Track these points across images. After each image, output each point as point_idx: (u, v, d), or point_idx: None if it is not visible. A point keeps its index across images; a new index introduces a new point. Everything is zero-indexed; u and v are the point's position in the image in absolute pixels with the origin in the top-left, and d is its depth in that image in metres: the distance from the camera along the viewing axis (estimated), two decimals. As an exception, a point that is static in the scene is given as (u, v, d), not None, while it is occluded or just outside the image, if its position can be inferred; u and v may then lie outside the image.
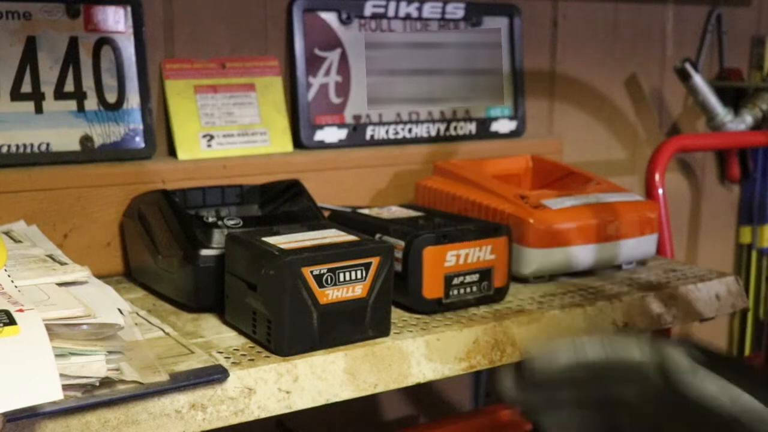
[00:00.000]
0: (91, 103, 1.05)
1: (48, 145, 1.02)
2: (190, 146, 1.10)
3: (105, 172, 1.02)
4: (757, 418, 0.50)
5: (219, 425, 0.73)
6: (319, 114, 1.20)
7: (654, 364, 0.53)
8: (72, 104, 1.04)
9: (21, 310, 0.64)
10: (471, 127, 1.32)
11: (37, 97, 1.02)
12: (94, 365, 0.67)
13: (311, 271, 0.76)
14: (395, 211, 1.02)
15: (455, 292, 0.91)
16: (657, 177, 1.31)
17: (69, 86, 1.03)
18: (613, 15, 1.53)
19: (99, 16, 1.05)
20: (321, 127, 1.20)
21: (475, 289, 0.92)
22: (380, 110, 1.24)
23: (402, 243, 0.90)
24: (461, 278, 0.91)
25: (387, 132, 1.25)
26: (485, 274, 0.93)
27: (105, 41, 1.05)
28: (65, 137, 1.03)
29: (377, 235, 0.93)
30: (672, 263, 1.15)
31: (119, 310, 0.76)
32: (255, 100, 1.15)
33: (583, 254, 1.03)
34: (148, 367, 0.70)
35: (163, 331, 0.82)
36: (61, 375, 0.62)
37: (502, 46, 1.34)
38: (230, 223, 0.90)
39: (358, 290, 0.79)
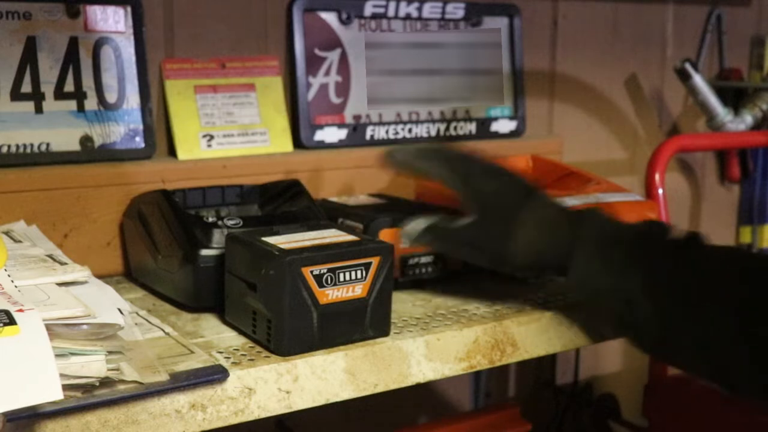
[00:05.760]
0: (91, 103, 1.05)
1: (48, 145, 1.02)
2: (190, 146, 1.10)
3: (105, 172, 1.02)
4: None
5: (219, 425, 0.73)
6: (319, 114, 1.20)
7: None
8: (72, 104, 1.04)
9: (21, 310, 0.64)
10: (471, 127, 1.32)
11: (37, 97, 1.02)
12: (94, 365, 0.67)
13: (311, 271, 0.76)
14: (362, 199, 1.09)
15: (411, 272, 0.96)
16: (657, 177, 1.31)
17: (69, 86, 1.03)
18: (613, 15, 1.53)
19: (99, 16, 1.05)
20: (321, 127, 1.20)
21: (430, 269, 0.98)
22: (380, 110, 1.24)
23: (360, 226, 0.95)
24: (416, 259, 0.97)
25: (387, 132, 1.25)
26: (440, 255, 0.98)
27: (105, 41, 1.05)
28: (65, 137, 1.03)
29: (339, 220, 0.98)
30: (672, 263, 1.15)
31: (119, 310, 0.76)
32: (255, 100, 1.16)
33: (583, 254, 1.03)
34: (148, 367, 0.70)
35: (163, 331, 0.82)
36: (61, 375, 0.62)
37: (502, 46, 1.34)
38: (230, 223, 0.90)
39: (358, 290, 0.79)
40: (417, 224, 0.89)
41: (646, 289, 0.78)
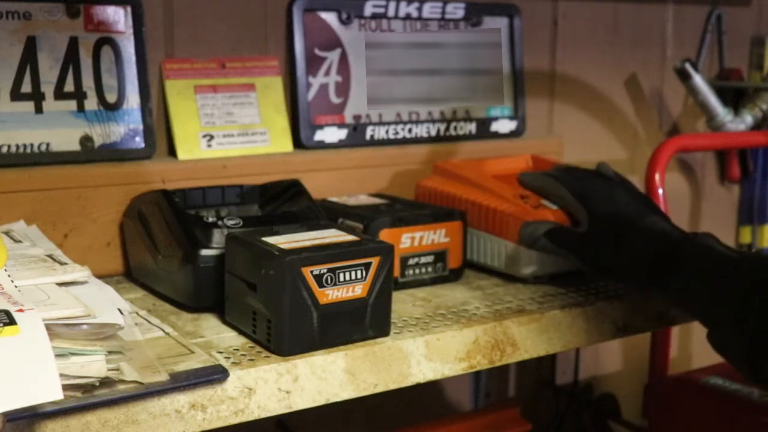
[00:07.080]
0: (91, 103, 1.05)
1: (48, 145, 1.02)
2: (190, 146, 1.11)
3: (105, 172, 1.02)
4: None
5: (219, 425, 0.73)
6: (319, 114, 1.20)
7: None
8: (72, 104, 1.04)
9: (21, 310, 0.64)
10: (471, 127, 1.32)
11: (37, 97, 1.02)
12: (94, 365, 0.67)
13: (311, 271, 0.76)
14: (362, 199, 1.09)
15: (410, 272, 0.98)
16: (657, 177, 1.31)
17: (69, 86, 1.03)
18: (613, 15, 1.53)
19: (99, 16, 1.05)
20: (321, 127, 1.20)
21: (430, 269, 0.99)
22: (380, 110, 1.24)
23: (360, 226, 0.96)
24: (416, 259, 0.98)
25: (387, 132, 1.25)
26: (440, 255, 0.99)
27: (105, 41, 1.05)
28: (65, 137, 1.03)
29: (339, 220, 0.99)
30: (672, 263, 1.15)
31: (119, 310, 0.76)
32: (255, 100, 1.16)
33: (583, 254, 1.03)
34: (148, 367, 0.70)
35: (163, 331, 0.82)
36: (61, 375, 0.62)
37: (502, 46, 1.34)
38: (230, 223, 0.90)
39: (358, 290, 0.79)
40: (537, 228, 0.97)
41: (738, 319, 0.78)
